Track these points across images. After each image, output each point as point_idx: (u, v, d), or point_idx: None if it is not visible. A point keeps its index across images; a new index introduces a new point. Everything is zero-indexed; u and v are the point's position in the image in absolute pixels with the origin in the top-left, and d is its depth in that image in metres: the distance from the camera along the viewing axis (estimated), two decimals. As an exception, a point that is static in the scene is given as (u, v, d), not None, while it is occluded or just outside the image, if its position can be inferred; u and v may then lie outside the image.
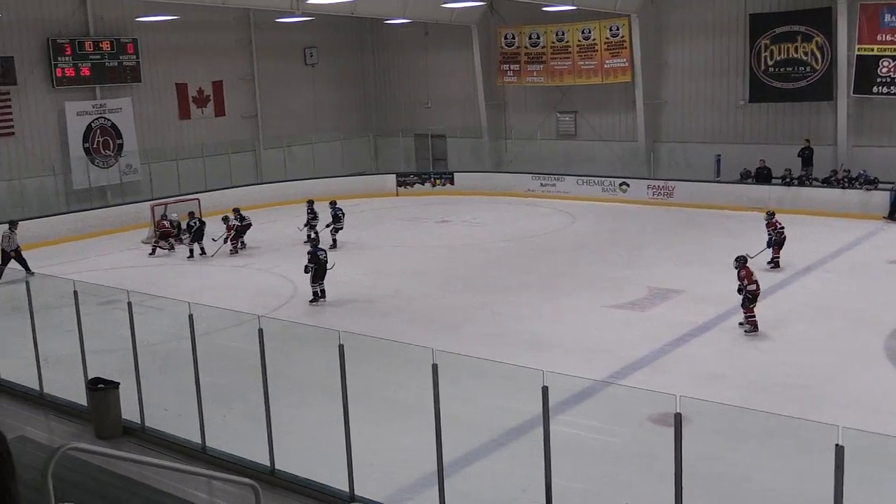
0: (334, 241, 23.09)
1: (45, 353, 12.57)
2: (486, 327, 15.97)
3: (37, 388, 12.34)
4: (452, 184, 32.65)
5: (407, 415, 11.50)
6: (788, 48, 27.29)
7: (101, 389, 11.09)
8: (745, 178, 27.87)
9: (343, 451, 8.96)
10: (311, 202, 24.21)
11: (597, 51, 30.87)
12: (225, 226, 23.41)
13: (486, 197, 31.15)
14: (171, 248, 24.03)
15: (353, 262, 21.81)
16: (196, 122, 31.62)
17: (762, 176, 27.36)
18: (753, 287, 15.01)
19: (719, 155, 28.79)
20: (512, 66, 32.98)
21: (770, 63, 27.67)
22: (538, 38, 32.14)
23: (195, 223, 23.41)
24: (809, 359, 13.81)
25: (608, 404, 11.79)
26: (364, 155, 36.10)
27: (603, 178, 30.07)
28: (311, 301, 17.99)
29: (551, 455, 7.79)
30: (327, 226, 23.37)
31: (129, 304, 10.92)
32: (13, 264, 20.26)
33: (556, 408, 8.08)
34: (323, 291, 18.04)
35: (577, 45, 31.25)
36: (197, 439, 10.40)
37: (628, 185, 29.57)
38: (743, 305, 15.12)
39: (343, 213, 23.73)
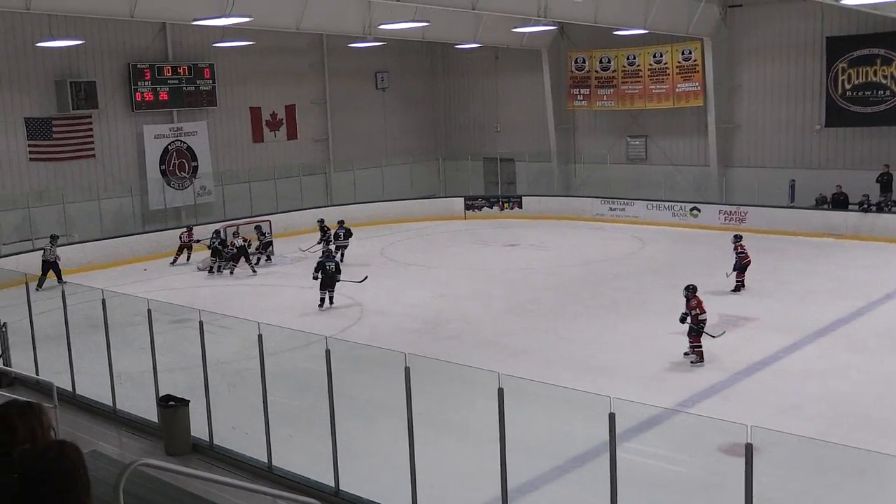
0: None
1: (119, 370, 12.86)
2: (551, 352, 15.84)
3: (110, 403, 12.60)
4: (521, 207, 32.59)
5: (472, 438, 11.45)
6: (867, 71, 26.69)
7: (172, 407, 11.29)
8: (820, 203, 27.23)
9: (407, 473, 8.96)
10: (322, 220, 25.77)
11: (668, 74, 30.61)
12: (231, 242, 24.45)
13: (555, 221, 31.00)
14: (186, 258, 25.54)
15: (419, 285, 21.90)
16: (269, 145, 32.19)
17: (839, 202, 26.71)
18: (705, 317, 14.88)
19: (793, 180, 28.20)
20: (582, 90, 32.87)
21: (848, 87, 27.08)
22: (609, 62, 32.00)
23: (212, 242, 24.57)
24: (886, 390, 13.38)
25: (676, 433, 11.57)
26: (433, 178, 36.29)
27: (673, 203, 29.70)
28: (319, 306, 19.45)
29: (618, 483, 7.67)
30: (328, 243, 23.78)
31: (201, 322, 11.12)
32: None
33: (622, 435, 7.96)
34: (332, 298, 19.56)
35: (649, 69, 31.04)
36: (263, 458, 10.51)
37: (699, 210, 29.14)
38: (689, 335, 14.88)
39: (349, 233, 24.89)
